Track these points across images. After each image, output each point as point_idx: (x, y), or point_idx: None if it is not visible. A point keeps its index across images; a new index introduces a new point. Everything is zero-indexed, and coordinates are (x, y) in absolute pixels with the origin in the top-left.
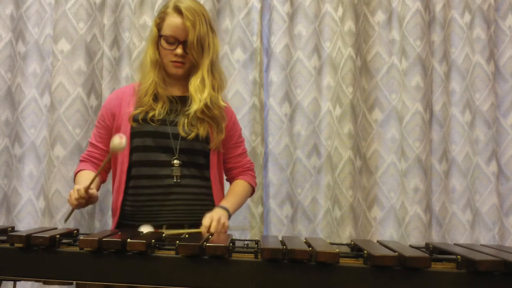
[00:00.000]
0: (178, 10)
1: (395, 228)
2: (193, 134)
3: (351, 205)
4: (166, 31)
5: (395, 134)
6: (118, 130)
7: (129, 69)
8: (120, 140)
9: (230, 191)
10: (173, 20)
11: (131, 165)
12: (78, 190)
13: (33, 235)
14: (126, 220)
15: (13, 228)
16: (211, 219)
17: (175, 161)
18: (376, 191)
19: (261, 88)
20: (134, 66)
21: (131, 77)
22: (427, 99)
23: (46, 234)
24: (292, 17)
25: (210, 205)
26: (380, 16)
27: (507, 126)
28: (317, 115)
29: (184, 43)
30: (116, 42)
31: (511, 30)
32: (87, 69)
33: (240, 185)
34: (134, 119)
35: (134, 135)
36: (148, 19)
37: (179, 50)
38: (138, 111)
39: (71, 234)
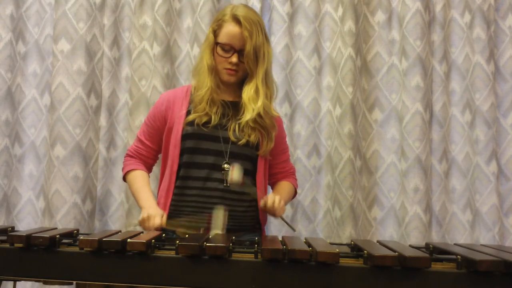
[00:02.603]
0: (236, 19)
1: (395, 228)
2: (243, 140)
3: (351, 205)
4: (222, 38)
5: (395, 134)
6: (169, 132)
7: (129, 69)
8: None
9: (277, 189)
10: (230, 29)
11: (180, 166)
12: (157, 227)
13: (33, 235)
14: (172, 220)
15: (13, 228)
16: (274, 197)
17: (225, 166)
18: (376, 191)
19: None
20: (134, 66)
21: (131, 77)
22: (427, 99)
23: (46, 234)
24: (292, 17)
25: (252, 211)
26: (380, 16)
27: (507, 126)
28: (317, 115)
29: (239, 52)
30: (116, 42)
31: (511, 30)
32: (87, 69)
33: (285, 185)
34: (188, 123)
35: (185, 137)
36: (148, 19)
37: (234, 59)
38: (193, 116)
39: (71, 234)
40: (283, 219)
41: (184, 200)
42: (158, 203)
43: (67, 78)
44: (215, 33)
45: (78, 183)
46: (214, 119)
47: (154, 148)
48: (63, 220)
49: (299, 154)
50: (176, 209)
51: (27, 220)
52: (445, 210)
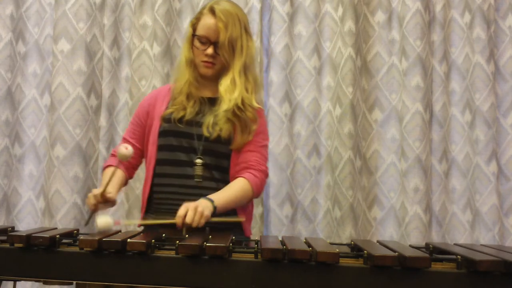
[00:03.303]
0: (212, 11)
1: (395, 228)
2: (215, 134)
3: (351, 205)
4: (199, 31)
5: (395, 134)
6: (149, 128)
7: (129, 69)
8: (125, 151)
9: (226, 186)
10: (207, 21)
11: (156, 163)
12: (95, 196)
13: (33, 235)
14: (150, 217)
15: (13, 228)
16: (186, 209)
17: (197, 160)
18: (376, 191)
19: (261, 88)
20: (134, 66)
21: (131, 77)
22: (427, 99)
23: (46, 234)
24: (292, 17)
25: (231, 209)
26: (380, 16)
27: (507, 126)
28: (317, 115)
29: (215, 44)
30: (116, 42)
31: (511, 30)
32: (87, 69)
33: (236, 182)
34: (165, 118)
35: (161, 134)
36: (148, 19)
37: (209, 50)
38: (170, 110)
39: (71, 234)
40: (216, 221)
41: (161, 198)
42: (142, 200)
43: (67, 78)
44: (194, 26)
45: (78, 183)
46: (189, 113)
47: (138, 147)
48: (63, 220)
49: (299, 154)
50: (157, 206)
51: (27, 220)
52: (445, 210)
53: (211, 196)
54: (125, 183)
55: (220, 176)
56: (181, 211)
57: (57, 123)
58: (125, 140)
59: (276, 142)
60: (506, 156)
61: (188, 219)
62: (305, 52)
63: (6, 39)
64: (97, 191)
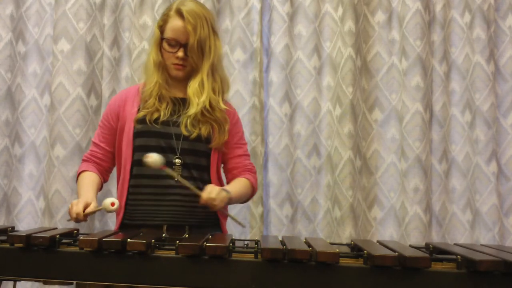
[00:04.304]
0: (180, 13)
1: (395, 228)
2: (194, 134)
3: (351, 205)
4: (168, 33)
5: (395, 134)
6: (122, 130)
7: (129, 69)
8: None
9: (232, 182)
10: (175, 23)
11: (133, 165)
12: (77, 214)
13: (33, 235)
14: (128, 220)
15: (13, 228)
16: (212, 189)
17: (177, 160)
18: (376, 191)
19: (261, 88)
20: (134, 66)
21: (131, 77)
22: (427, 99)
23: (46, 234)
24: (292, 17)
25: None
26: (380, 16)
27: (507, 126)
28: (317, 115)
29: (185, 46)
30: (116, 42)
31: (511, 30)
32: (87, 69)
33: (242, 181)
34: (139, 120)
35: (136, 135)
36: (148, 19)
37: (180, 53)
38: (143, 113)
39: (71, 234)
40: (228, 214)
41: (139, 199)
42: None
43: (67, 78)
44: (161, 28)
45: None
46: (164, 115)
47: (109, 150)
48: (63, 220)
49: (299, 154)
50: (133, 208)
51: (27, 220)
52: (445, 210)
53: (227, 188)
54: (100, 188)
55: (198, 175)
56: (208, 187)
57: (57, 123)
58: (95, 145)
59: (276, 142)
60: (506, 156)
61: (212, 194)
62: (305, 52)
63: (6, 39)
64: (79, 208)
